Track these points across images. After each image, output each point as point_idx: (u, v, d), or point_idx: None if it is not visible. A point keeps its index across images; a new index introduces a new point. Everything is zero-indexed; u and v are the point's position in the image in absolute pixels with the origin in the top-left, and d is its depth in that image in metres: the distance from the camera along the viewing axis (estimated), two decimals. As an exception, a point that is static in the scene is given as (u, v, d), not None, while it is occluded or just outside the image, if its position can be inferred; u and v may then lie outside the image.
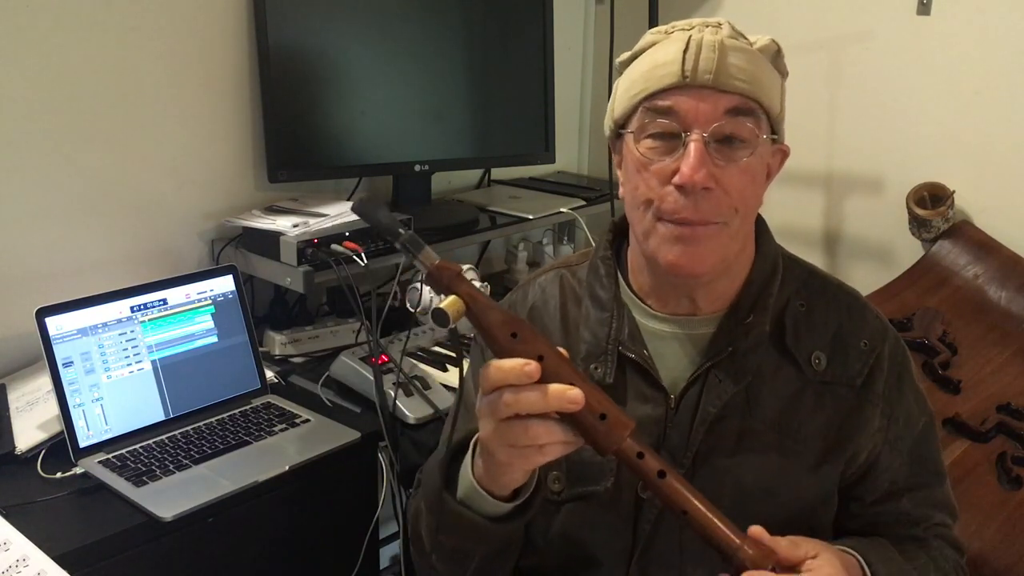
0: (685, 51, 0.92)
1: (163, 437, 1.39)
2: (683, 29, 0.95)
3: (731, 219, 0.94)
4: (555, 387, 0.80)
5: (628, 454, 0.84)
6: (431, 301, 1.79)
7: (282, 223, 1.64)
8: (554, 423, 0.82)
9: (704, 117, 0.92)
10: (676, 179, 0.92)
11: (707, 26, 0.95)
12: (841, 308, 1.04)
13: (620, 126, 1.00)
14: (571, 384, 0.81)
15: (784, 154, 1.02)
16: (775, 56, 0.98)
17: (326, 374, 1.60)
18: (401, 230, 0.84)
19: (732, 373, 0.98)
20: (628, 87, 0.98)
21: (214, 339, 1.51)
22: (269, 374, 1.59)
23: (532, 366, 0.79)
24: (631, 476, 0.99)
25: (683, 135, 0.92)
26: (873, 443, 1.02)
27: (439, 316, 0.82)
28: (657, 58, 0.95)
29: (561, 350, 0.84)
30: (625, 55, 1.01)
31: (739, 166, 0.93)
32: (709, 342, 1.01)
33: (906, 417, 1.04)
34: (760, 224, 1.04)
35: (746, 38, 0.97)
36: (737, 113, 0.92)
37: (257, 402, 1.52)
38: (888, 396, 1.02)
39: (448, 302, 0.82)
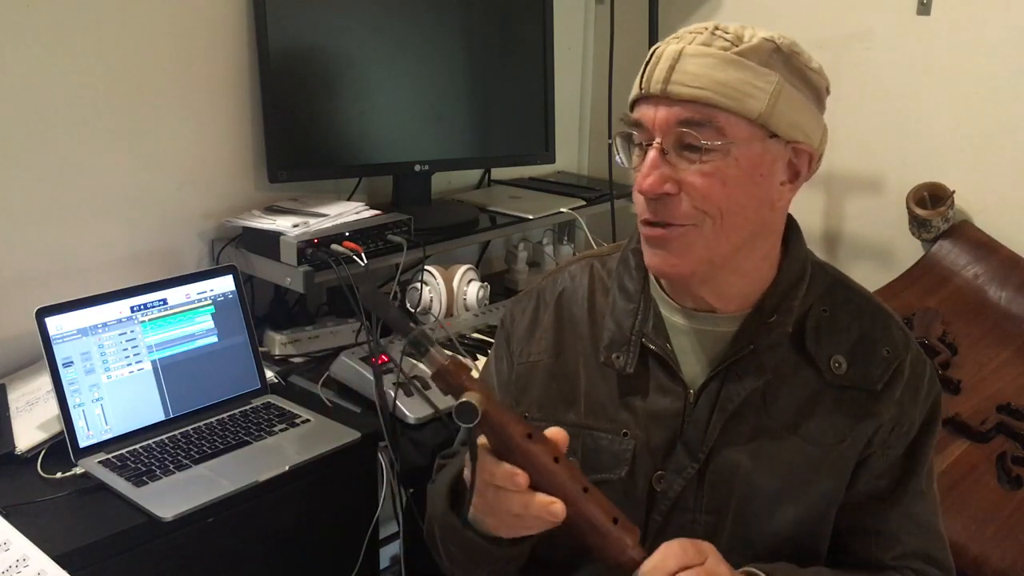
0: (647, 63, 0.94)
1: (163, 437, 1.39)
2: (675, 38, 0.95)
3: (700, 221, 0.94)
4: (540, 499, 0.85)
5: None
6: (431, 301, 1.79)
7: (282, 223, 1.64)
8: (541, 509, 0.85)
9: (660, 126, 0.93)
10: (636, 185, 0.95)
11: (696, 34, 0.94)
12: (865, 316, 1.04)
13: None
14: (584, 488, 0.85)
15: (808, 154, 0.96)
16: (770, 55, 0.92)
17: (326, 374, 1.60)
18: (412, 325, 0.85)
19: (751, 370, 0.99)
20: None
21: (214, 339, 1.51)
22: (269, 374, 1.59)
23: (521, 477, 0.84)
24: (646, 467, 1.02)
25: (645, 145, 0.94)
26: (874, 444, 1.02)
27: (466, 410, 0.81)
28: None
29: (572, 461, 0.88)
30: None
31: (700, 170, 0.92)
32: (731, 340, 1.01)
33: (909, 427, 1.04)
34: (791, 228, 1.04)
35: (743, 38, 0.93)
36: (690, 124, 0.91)
37: (257, 402, 1.52)
38: (902, 403, 1.02)
39: (473, 396, 0.82)
